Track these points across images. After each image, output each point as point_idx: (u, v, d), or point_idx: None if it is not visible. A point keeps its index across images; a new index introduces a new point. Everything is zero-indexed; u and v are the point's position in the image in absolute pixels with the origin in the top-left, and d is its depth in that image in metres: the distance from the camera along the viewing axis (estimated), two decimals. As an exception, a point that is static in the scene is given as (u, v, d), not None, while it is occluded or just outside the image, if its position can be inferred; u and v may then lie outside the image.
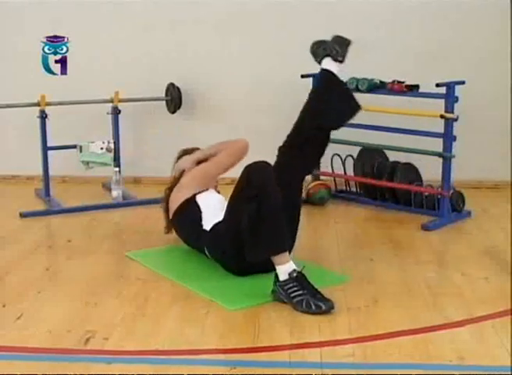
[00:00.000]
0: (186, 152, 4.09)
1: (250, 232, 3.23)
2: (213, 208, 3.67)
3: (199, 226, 3.62)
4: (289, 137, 3.71)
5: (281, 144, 3.68)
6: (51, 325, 2.99)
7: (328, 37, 5.06)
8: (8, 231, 4.31)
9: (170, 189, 3.93)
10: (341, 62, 3.72)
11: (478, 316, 3.08)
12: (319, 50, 3.77)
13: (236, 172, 3.41)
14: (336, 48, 3.72)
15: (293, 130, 3.69)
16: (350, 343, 2.84)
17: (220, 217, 3.54)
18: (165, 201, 3.93)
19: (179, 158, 4.09)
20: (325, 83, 3.78)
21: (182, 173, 3.95)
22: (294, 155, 3.63)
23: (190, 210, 3.73)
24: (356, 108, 3.71)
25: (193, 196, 3.76)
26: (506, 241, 3.96)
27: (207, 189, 3.85)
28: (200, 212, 3.67)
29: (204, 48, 5.29)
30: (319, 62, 3.77)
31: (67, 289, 3.41)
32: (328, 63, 3.71)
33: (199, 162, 3.96)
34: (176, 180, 3.93)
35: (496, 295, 3.31)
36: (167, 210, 3.92)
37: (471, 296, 3.31)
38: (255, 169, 3.33)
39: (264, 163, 3.34)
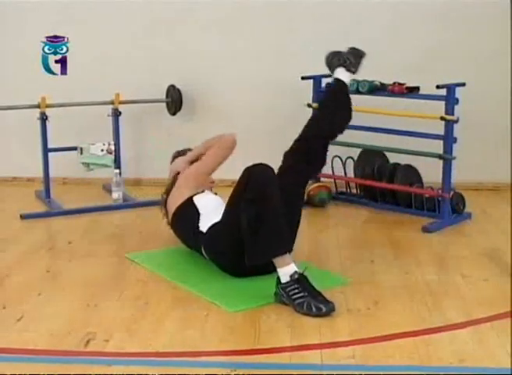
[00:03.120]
0: (179, 154, 4.14)
1: (249, 235, 3.23)
2: (211, 210, 3.69)
3: (196, 228, 3.63)
4: (295, 142, 3.75)
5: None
6: (52, 327, 3.00)
7: (329, 38, 5.13)
8: (9, 233, 4.31)
9: (167, 193, 3.95)
10: (353, 72, 3.85)
11: (478, 318, 3.09)
12: (334, 60, 3.88)
13: (236, 173, 3.41)
14: (351, 58, 3.84)
15: (300, 135, 3.73)
16: (351, 345, 2.84)
17: (217, 219, 3.56)
18: (164, 204, 3.95)
19: (173, 160, 4.13)
20: (334, 92, 3.89)
21: (176, 176, 3.98)
22: (298, 160, 3.65)
23: (188, 212, 3.74)
24: (348, 117, 3.81)
25: (191, 198, 3.78)
26: (506, 242, 3.96)
27: (203, 191, 3.86)
28: (198, 213, 3.68)
29: (205, 49, 5.29)
30: (332, 72, 3.88)
31: (68, 291, 3.41)
32: (341, 73, 3.82)
33: (192, 162, 4.00)
34: (172, 183, 3.96)
35: (496, 297, 3.32)
36: (166, 213, 3.94)
37: (471, 298, 3.32)
38: (256, 172, 3.33)
39: (265, 166, 3.35)
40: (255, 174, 3.32)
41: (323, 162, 3.76)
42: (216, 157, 3.96)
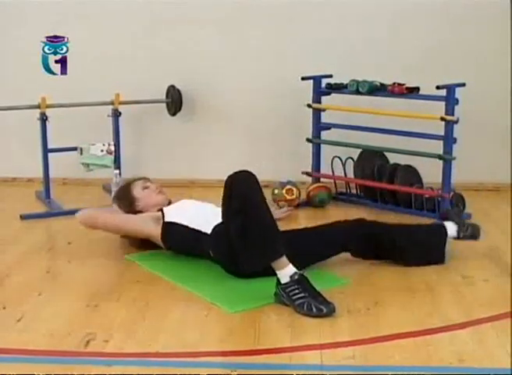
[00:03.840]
0: (119, 198, 4.15)
1: (240, 244, 3.23)
2: (192, 216, 3.71)
3: (199, 234, 3.62)
4: (377, 224, 3.82)
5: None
6: (52, 327, 3.00)
7: (329, 39, 5.13)
8: (9, 233, 4.31)
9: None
10: (459, 236, 3.81)
11: (478, 318, 3.09)
12: (455, 215, 3.92)
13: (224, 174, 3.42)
14: (469, 229, 3.83)
15: (386, 226, 3.81)
16: (351, 345, 2.84)
17: (207, 216, 3.60)
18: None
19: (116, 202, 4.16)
20: (436, 231, 3.83)
21: None
22: (362, 235, 3.69)
23: (175, 232, 3.74)
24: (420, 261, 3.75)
25: (165, 223, 3.78)
26: (506, 243, 3.97)
27: (160, 209, 3.87)
28: (185, 226, 3.68)
29: (205, 49, 5.28)
30: (445, 220, 3.89)
31: (67, 291, 3.41)
32: (451, 228, 3.80)
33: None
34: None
35: (496, 297, 3.32)
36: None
37: (471, 298, 3.32)
38: (238, 181, 3.33)
39: (247, 173, 3.34)
40: (237, 184, 3.31)
41: (368, 257, 3.75)
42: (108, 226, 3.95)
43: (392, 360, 2.71)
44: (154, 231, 3.80)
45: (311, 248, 3.60)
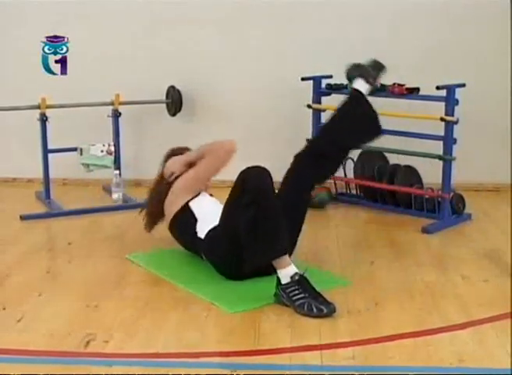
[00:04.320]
0: (174, 153, 4.03)
1: (247, 238, 3.23)
2: (207, 214, 3.67)
3: (194, 234, 3.62)
4: (308, 145, 3.72)
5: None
6: (52, 327, 3.00)
7: (329, 39, 5.13)
8: (9, 234, 4.31)
9: (159, 193, 3.91)
10: (372, 84, 3.77)
11: (478, 319, 3.09)
12: (354, 71, 3.83)
13: (236, 175, 3.40)
14: (370, 70, 3.79)
15: (314, 140, 3.69)
16: (351, 345, 2.84)
17: (215, 222, 3.54)
18: (156, 204, 3.91)
19: (167, 158, 4.03)
20: (352, 101, 3.80)
21: (171, 176, 3.89)
22: (309, 164, 3.61)
23: (186, 219, 3.71)
24: (376, 131, 3.74)
25: (187, 203, 3.75)
26: (506, 243, 3.96)
27: (198, 193, 3.84)
28: (195, 220, 3.66)
29: (205, 49, 5.29)
30: (350, 82, 3.84)
31: (68, 292, 3.41)
32: (360, 84, 3.77)
33: (189, 165, 3.90)
34: (168, 184, 3.88)
35: (496, 298, 3.32)
36: (155, 213, 3.92)
37: (471, 299, 3.31)
38: (251, 175, 3.32)
39: (261, 168, 3.33)
40: (251, 178, 3.31)
41: (333, 171, 3.73)
42: (216, 165, 3.83)
43: (392, 360, 2.72)
44: (181, 200, 3.76)
45: (293, 208, 3.52)
